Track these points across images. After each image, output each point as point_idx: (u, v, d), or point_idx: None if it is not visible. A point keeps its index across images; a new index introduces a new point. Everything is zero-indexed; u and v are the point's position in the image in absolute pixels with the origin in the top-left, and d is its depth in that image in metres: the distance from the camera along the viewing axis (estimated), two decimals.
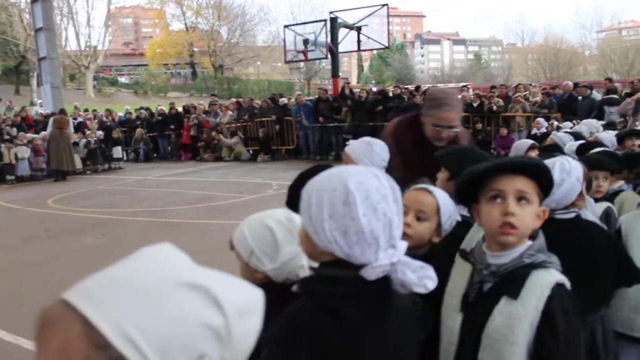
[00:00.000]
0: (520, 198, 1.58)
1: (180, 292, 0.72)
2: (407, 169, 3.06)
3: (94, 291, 0.71)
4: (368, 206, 1.25)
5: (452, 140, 3.31)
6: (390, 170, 2.99)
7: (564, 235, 1.70)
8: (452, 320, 1.70)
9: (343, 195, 1.25)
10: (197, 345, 0.71)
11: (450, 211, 1.97)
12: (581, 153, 3.90)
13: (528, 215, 1.58)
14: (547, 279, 1.54)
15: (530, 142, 4.45)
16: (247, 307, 0.77)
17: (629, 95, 11.56)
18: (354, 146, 2.94)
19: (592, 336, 2.22)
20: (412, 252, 1.90)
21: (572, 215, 2.18)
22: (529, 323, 1.51)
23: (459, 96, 3.62)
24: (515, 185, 1.58)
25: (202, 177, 14.54)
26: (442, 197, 1.98)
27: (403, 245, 1.31)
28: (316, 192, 1.29)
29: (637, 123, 6.57)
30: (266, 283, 1.66)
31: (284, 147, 17.88)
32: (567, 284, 1.57)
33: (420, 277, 1.28)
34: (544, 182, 1.61)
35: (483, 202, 1.63)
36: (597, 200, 3.21)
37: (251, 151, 18.21)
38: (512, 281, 1.57)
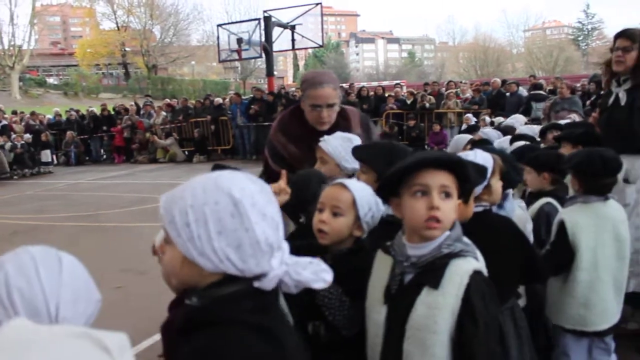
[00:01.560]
0: (443, 192, 1.61)
1: (70, 341, 0.75)
2: (294, 159, 3.04)
3: None
4: (257, 213, 1.15)
5: (338, 122, 3.14)
6: (296, 163, 2.92)
7: (471, 229, 1.76)
8: (376, 313, 1.72)
9: (230, 207, 1.14)
10: None
11: (370, 204, 1.95)
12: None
13: (450, 209, 1.62)
14: (465, 267, 1.59)
15: (468, 137, 4.49)
16: (123, 344, 0.79)
17: (552, 92, 12.09)
18: (332, 142, 2.67)
19: (500, 328, 2.28)
20: (336, 248, 1.94)
21: (480, 209, 2.21)
22: (450, 311, 1.55)
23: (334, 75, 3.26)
24: (439, 180, 1.60)
25: (136, 179, 14.24)
26: (358, 191, 1.95)
27: (286, 245, 1.26)
28: (192, 209, 1.14)
29: (568, 117, 7.05)
30: None
31: (220, 147, 17.72)
32: (484, 271, 1.63)
33: (315, 272, 1.24)
34: (462, 176, 1.65)
35: (406, 197, 1.64)
36: (537, 195, 3.30)
37: (187, 152, 17.97)
38: (432, 271, 1.60)
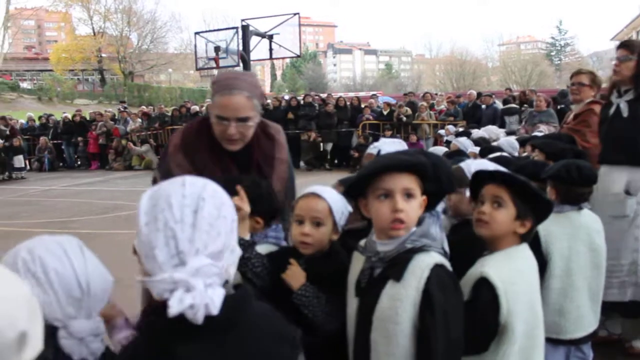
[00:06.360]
0: (407, 194, 1.71)
1: None
2: None
3: None
4: (151, 215, 1.16)
5: (259, 142, 2.57)
6: None
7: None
8: (350, 307, 1.84)
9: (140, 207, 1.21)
10: None
11: (342, 208, 2.05)
12: (483, 157, 4.15)
13: (414, 209, 1.72)
14: (427, 261, 1.68)
15: (444, 149, 4.65)
16: None
17: (523, 103, 12.32)
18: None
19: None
20: (312, 255, 2.01)
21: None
22: (411, 303, 1.64)
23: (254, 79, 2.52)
24: (402, 184, 1.70)
25: (111, 186, 14.13)
26: (332, 198, 2.03)
27: (198, 262, 1.13)
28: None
29: (540, 130, 7.17)
30: None
31: None
32: (447, 265, 1.73)
33: (206, 297, 1.12)
34: (425, 176, 1.75)
35: (372, 199, 1.75)
36: None
37: None
38: (396, 265, 1.70)
